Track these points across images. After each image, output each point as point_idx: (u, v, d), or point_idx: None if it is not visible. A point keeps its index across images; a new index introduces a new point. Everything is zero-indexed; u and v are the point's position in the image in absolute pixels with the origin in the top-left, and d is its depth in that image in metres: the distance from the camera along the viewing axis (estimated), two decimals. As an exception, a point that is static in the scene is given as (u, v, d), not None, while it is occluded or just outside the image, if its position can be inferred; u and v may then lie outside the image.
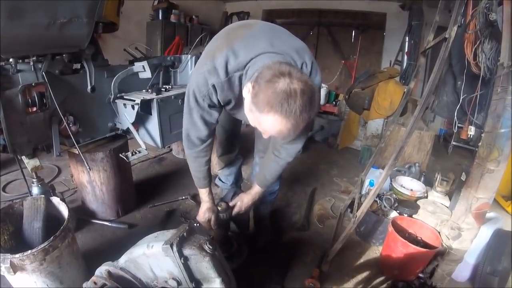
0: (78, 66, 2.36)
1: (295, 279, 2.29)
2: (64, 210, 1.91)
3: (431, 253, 2.16)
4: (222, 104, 1.68)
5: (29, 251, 1.56)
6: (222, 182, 2.74)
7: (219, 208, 2.13)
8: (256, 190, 2.15)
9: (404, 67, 5.73)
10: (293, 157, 1.93)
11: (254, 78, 1.34)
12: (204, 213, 2.09)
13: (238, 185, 2.83)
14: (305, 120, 1.26)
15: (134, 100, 2.42)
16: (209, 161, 2.00)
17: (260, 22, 1.72)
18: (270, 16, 7.76)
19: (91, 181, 2.60)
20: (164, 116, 2.56)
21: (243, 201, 2.16)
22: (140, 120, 2.63)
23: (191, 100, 1.66)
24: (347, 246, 2.50)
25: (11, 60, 1.87)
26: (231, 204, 2.16)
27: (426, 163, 4.10)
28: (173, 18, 6.22)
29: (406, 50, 5.72)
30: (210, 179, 2.08)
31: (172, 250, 1.35)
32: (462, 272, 2.32)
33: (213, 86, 1.53)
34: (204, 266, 1.41)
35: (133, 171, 3.22)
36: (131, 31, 5.55)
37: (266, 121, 1.27)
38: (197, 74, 1.60)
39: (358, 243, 2.77)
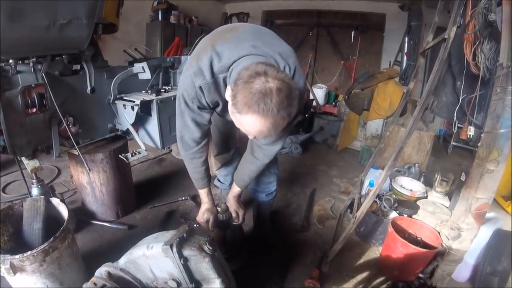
0: (77, 67, 2.36)
1: (295, 280, 2.29)
2: (63, 211, 1.91)
3: (431, 253, 2.16)
4: (211, 106, 1.69)
5: (29, 252, 1.56)
6: (221, 182, 2.74)
7: (218, 209, 2.13)
8: (236, 190, 2.17)
9: (403, 67, 5.73)
10: (271, 158, 1.94)
11: (232, 80, 1.36)
12: (203, 214, 2.09)
13: None
14: (284, 118, 1.26)
15: (133, 101, 2.42)
16: (205, 162, 2.00)
17: (248, 25, 1.74)
18: (270, 17, 7.76)
19: (91, 182, 2.60)
20: (163, 117, 2.56)
21: (239, 209, 2.18)
22: (140, 121, 2.63)
23: (182, 103, 1.68)
24: (347, 247, 2.50)
25: (10, 61, 1.87)
26: (234, 215, 2.17)
27: (426, 163, 4.10)
28: (172, 19, 6.22)
29: (405, 51, 5.72)
30: (208, 179, 2.07)
31: (172, 251, 1.35)
32: (462, 272, 2.32)
33: (200, 87, 1.55)
34: (204, 267, 1.41)
35: (132, 172, 3.22)
36: (131, 32, 5.55)
37: (246, 121, 1.28)
38: (184, 77, 1.63)
39: (358, 243, 2.77)
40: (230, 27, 1.73)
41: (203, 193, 2.10)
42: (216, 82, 1.55)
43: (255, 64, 1.32)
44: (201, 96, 1.60)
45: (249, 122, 1.27)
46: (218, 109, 1.75)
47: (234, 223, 2.18)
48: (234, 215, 2.16)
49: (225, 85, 1.55)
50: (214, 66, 1.50)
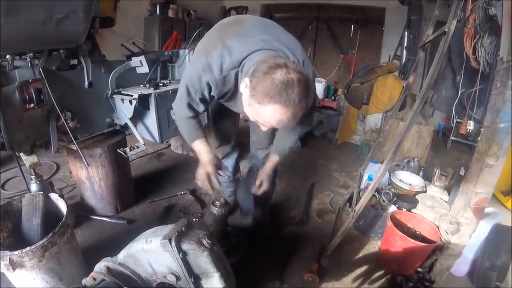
0: (75, 62, 2.34)
1: (294, 274, 2.30)
2: (62, 206, 1.91)
3: (430, 247, 2.16)
4: (216, 97, 1.71)
5: (28, 247, 1.55)
6: (220, 175, 2.73)
7: (217, 202, 2.11)
8: (273, 159, 2.12)
9: (403, 61, 5.70)
10: (304, 131, 2.07)
11: (250, 73, 1.37)
12: (203, 167, 1.94)
13: (236, 178, 2.84)
14: (303, 108, 1.30)
15: (131, 95, 2.41)
16: (198, 119, 1.95)
17: (251, 18, 1.74)
18: (269, 10, 7.70)
19: (90, 177, 2.60)
20: (162, 111, 2.55)
21: (268, 176, 2.13)
22: (138, 115, 2.62)
23: (183, 90, 1.72)
24: (346, 241, 2.50)
25: (7, 56, 1.85)
26: (257, 182, 2.11)
27: (425, 157, 4.09)
28: (171, 13, 6.18)
29: (405, 45, 5.69)
30: (201, 129, 1.97)
31: (171, 245, 1.36)
32: (461, 267, 2.32)
33: (207, 83, 1.58)
34: (202, 260, 1.42)
35: (131, 167, 3.22)
36: (129, 26, 5.52)
37: (266, 112, 1.30)
38: (191, 69, 1.66)
39: (357, 237, 2.78)
40: (236, 20, 1.73)
41: (198, 144, 1.96)
42: (225, 78, 1.57)
43: (273, 57, 1.36)
44: (205, 90, 1.63)
45: (269, 113, 1.30)
46: (224, 99, 1.77)
47: (253, 191, 2.13)
48: (257, 183, 2.11)
49: (236, 80, 1.58)
50: (224, 63, 1.52)
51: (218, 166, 2.00)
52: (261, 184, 2.11)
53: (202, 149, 1.96)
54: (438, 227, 2.24)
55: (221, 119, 2.38)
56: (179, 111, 1.86)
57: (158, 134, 2.60)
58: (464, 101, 2.76)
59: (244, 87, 1.40)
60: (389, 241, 2.37)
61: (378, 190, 2.75)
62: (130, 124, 2.55)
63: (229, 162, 2.64)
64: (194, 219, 2.85)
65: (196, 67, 1.59)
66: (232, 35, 1.56)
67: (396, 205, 2.63)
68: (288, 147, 2.08)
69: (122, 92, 2.51)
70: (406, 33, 5.67)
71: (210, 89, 1.64)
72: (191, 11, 6.75)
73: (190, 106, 1.78)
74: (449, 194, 2.65)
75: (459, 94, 2.77)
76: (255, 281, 2.18)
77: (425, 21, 5.35)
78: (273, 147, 2.17)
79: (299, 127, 1.95)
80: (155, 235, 1.45)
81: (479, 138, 1.84)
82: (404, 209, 2.56)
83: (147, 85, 2.66)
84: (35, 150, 2.18)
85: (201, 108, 1.80)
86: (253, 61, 1.44)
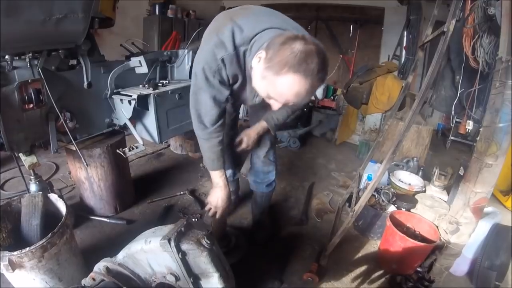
0: (74, 62, 2.34)
1: (294, 274, 2.30)
2: (62, 206, 1.91)
3: (429, 247, 2.17)
4: (231, 82, 1.68)
5: (28, 248, 1.55)
6: None
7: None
8: (261, 124, 2.12)
9: (402, 61, 5.71)
10: (298, 108, 2.04)
11: (264, 46, 1.36)
12: (223, 201, 2.01)
13: (235, 178, 2.85)
14: (320, 80, 1.28)
15: (131, 96, 2.41)
16: (222, 142, 1.91)
17: (257, 6, 1.74)
18: (268, 10, 7.70)
19: (89, 178, 2.60)
20: (161, 111, 2.55)
21: (250, 136, 2.15)
22: (137, 116, 2.61)
23: (200, 78, 1.63)
24: (345, 241, 2.50)
25: (7, 57, 1.86)
26: (237, 140, 2.17)
27: (424, 157, 4.10)
28: (170, 13, 6.19)
29: (404, 45, 5.69)
30: (223, 160, 1.97)
31: (170, 245, 1.36)
32: (460, 266, 2.32)
33: (222, 60, 1.53)
34: (202, 261, 1.42)
35: (131, 167, 3.22)
36: (128, 26, 5.52)
37: (284, 83, 1.27)
38: (204, 51, 1.59)
39: (356, 237, 2.78)
40: (243, 7, 1.72)
41: (218, 175, 1.98)
42: (237, 54, 1.54)
43: (288, 32, 1.37)
44: (222, 69, 1.58)
45: (287, 84, 1.26)
46: (236, 85, 1.73)
47: (236, 146, 2.20)
48: (237, 140, 2.18)
49: (244, 58, 1.56)
50: (236, 38, 1.50)
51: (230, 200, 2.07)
52: (241, 142, 2.18)
53: (220, 181, 1.99)
54: (437, 226, 2.24)
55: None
56: (200, 113, 1.76)
57: (157, 134, 2.60)
58: (463, 101, 2.76)
59: (257, 61, 1.38)
60: (388, 240, 2.37)
61: (377, 190, 2.75)
62: (129, 124, 2.55)
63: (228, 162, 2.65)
64: (193, 219, 2.85)
65: (209, 46, 1.54)
66: (242, 16, 1.56)
67: (396, 205, 2.64)
68: (278, 119, 2.08)
69: (121, 92, 2.51)
70: (405, 33, 5.68)
71: (225, 67, 1.58)
72: (190, 11, 6.75)
73: (213, 98, 1.68)
74: (448, 194, 2.65)
75: (458, 94, 2.77)
76: (254, 281, 2.18)
77: (424, 21, 5.36)
78: (264, 116, 2.15)
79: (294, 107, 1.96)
80: (154, 235, 1.45)
81: (478, 138, 1.84)
82: (404, 209, 2.56)
83: (146, 85, 2.66)
84: (34, 150, 2.18)
85: (224, 94, 1.70)
86: (264, 39, 1.44)
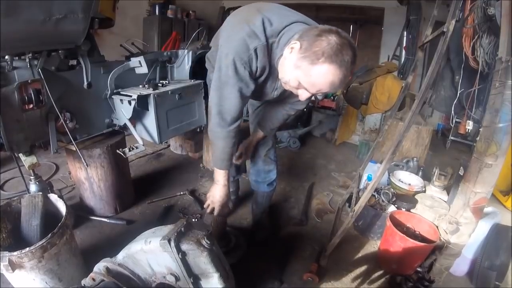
0: (74, 62, 2.35)
1: (294, 274, 2.30)
2: (62, 207, 1.90)
3: (429, 247, 2.16)
4: (257, 75, 1.65)
5: (27, 248, 1.55)
6: None
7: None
8: (258, 135, 2.27)
9: (402, 61, 5.72)
10: (294, 110, 2.07)
11: (296, 38, 1.40)
12: (221, 198, 2.02)
13: (236, 179, 2.85)
14: (349, 72, 1.35)
15: (130, 96, 2.40)
16: (236, 143, 1.91)
17: (274, 3, 1.71)
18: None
19: (89, 178, 2.60)
20: (161, 112, 2.55)
21: (249, 149, 2.32)
22: (137, 116, 2.61)
23: (230, 70, 1.55)
24: (345, 241, 2.50)
25: (6, 57, 1.86)
26: (237, 154, 2.25)
27: (424, 157, 4.10)
28: (170, 13, 6.20)
29: (404, 45, 5.71)
30: (232, 161, 1.99)
31: (170, 246, 1.36)
32: (460, 267, 2.32)
33: (255, 50, 1.50)
34: (202, 261, 1.42)
35: (131, 167, 3.22)
36: (128, 26, 5.52)
37: (319, 72, 1.32)
38: (234, 41, 1.51)
39: (356, 237, 2.78)
40: (261, 3, 1.69)
41: (222, 174, 1.97)
42: (268, 45, 1.54)
43: (319, 25, 1.42)
44: (253, 60, 1.54)
45: (322, 73, 1.31)
46: (262, 78, 1.70)
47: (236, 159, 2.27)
48: (237, 154, 2.25)
49: (271, 51, 1.57)
50: (266, 30, 1.51)
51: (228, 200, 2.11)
52: (240, 156, 2.29)
53: (223, 180, 1.99)
54: (437, 227, 2.24)
55: None
56: (223, 111, 1.71)
57: (157, 134, 2.59)
58: (463, 101, 2.76)
59: (289, 52, 1.41)
60: (388, 241, 2.37)
61: (377, 190, 2.75)
62: (129, 124, 2.55)
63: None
64: (193, 220, 2.85)
65: (240, 36, 1.48)
66: (268, 9, 1.57)
67: (396, 205, 2.64)
68: (274, 123, 2.16)
69: (121, 93, 2.51)
70: (405, 33, 5.69)
71: (257, 59, 1.54)
72: (190, 11, 6.76)
73: (240, 92, 1.63)
74: (448, 194, 2.65)
75: (458, 94, 2.77)
76: (254, 281, 2.18)
77: (424, 21, 5.38)
78: (260, 123, 2.22)
79: (288, 102, 2.01)
80: (154, 235, 1.45)
81: (478, 138, 1.84)
82: (403, 209, 2.56)
83: (146, 85, 2.65)
84: (34, 150, 2.17)
85: (251, 87, 1.65)
86: (293, 31, 1.47)
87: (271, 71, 1.67)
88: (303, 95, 1.49)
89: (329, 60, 1.27)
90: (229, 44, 1.54)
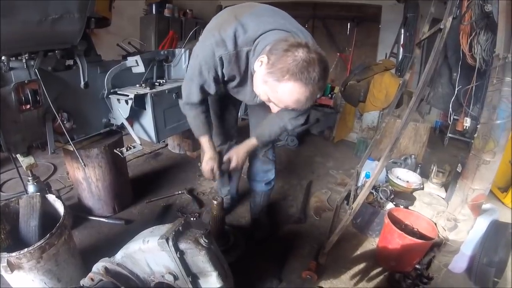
0: (71, 62, 2.34)
1: (292, 272, 2.30)
2: (60, 207, 1.90)
3: (428, 244, 2.17)
4: (226, 79, 1.70)
5: (26, 249, 1.55)
6: None
7: (214, 201, 2.12)
8: (252, 142, 2.07)
9: (399, 59, 5.71)
10: (293, 125, 1.94)
11: (267, 50, 1.37)
12: (206, 163, 2.06)
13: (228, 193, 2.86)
14: (320, 89, 1.31)
15: (127, 95, 2.41)
16: (207, 111, 2.00)
17: (262, 4, 1.72)
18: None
19: (87, 178, 2.59)
20: (158, 111, 2.55)
21: (238, 155, 2.08)
22: (135, 115, 2.61)
23: (196, 71, 1.67)
24: (343, 238, 2.51)
25: (3, 57, 1.85)
26: (225, 158, 2.10)
27: (422, 155, 4.10)
28: (166, 13, 6.17)
29: (401, 42, 5.70)
30: (209, 127, 2.05)
31: (168, 245, 1.35)
32: (459, 263, 2.33)
33: (220, 58, 1.55)
34: (200, 260, 1.42)
35: (129, 167, 3.21)
36: (125, 26, 5.50)
37: (284, 89, 1.29)
38: (203, 46, 1.59)
39: (354, 235, 2.78)
40: (248, 4, 1.72)
41: (204, 141, 2.06)
42: (238, 54, 1.55)
43: (292, 37, 1.38)
44: (218, 67, 1.60)
45: (288, 90, 1.29)
46: (233, 83, 1.76)
47: (223, 166, 2.11)
48: (224, 159, 2.10)
49: (247, 59, 1.57)
50: (238, 38, 1.51)
51: (218, 164, 2.07)
52: (229, 160, 2.09)
53: (206, 146, 2.06)
54: (435, 224, 2.24)
55: (221, 116, 2.38)
56: (189, 96, 1.85)
57: (154, 133, 2.60)
58: (460, 98, 2.77)
59: (259, 65, 1.40)
60: (386, 238, 2.37)
61: (375, 188, 2.76)
62: (126, 124, 2.54)
63: None
64: (191, 219, 2.84)
65: (209, 42, 1.54)
66: (246, 14, 1.56)
67: (394, 202, 2.64)
68: (270, 135, 2.03)
69: (118, 92, 2.51)
70: (402, 30, 5.68)
71: (222, 66, 1.60)
72: (187, 10, 6.74)
73: (201, 88, 1.76)
74: (446, 191, 2.66)
75: (455, 91, 2.77)
76: (253, 279, 2.18)
77: (421, 18, 5.38)
78: (255, 131, 2.13)
79: (289, 115, 1.89)
80: (152, 234, 1.45)
81: (476, 135, 1.84)
82: (402, 206, 2.56)
83: (143, 84, 2.65)
84: (32, 151, 2.17)
85: (212, 88, 1.76)
86: (268, 40, 1.44)
87: (246, 78, 1.69)
88: (274, 108, 1.48)
89: (294, 78, 1.24)
90: (200, 48, 1.64)
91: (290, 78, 1.25)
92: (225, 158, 2.10)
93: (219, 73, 1.64)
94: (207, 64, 1.60)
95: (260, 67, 1.38)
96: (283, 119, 1.92)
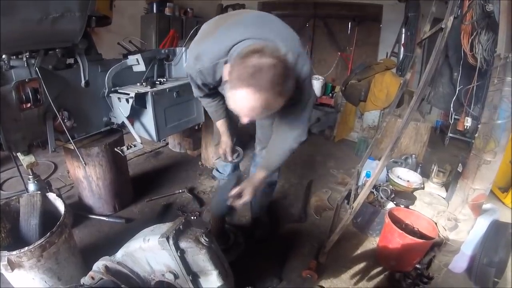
0: (71, 60, 2.34)
1: (293, 271, 2.30)
2: (60, 206, 1.90)
3: (428, 244, 2.17)
4: (215, 84, 1.76)
5: (26, 247, 1.55)
6: (219, 172, 2.72)
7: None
8: (261, 175, 1.93)
9: (400, 58, 5.70)
10: (299, 143, 1.87)
11: (231, 59, 1.40)
12: (220, 146, 2.25)
13: (235, 172, 2.84)
14: (278, 94, 1.25)
15: (128, 94, 2.40)
16: (217, 100, 2.05)
17: (253, 11, 1.78)
18: (266, 8, 7.68)
19: (87, 176, 2.59)
20: (159, 110, 2.54)
21: (249, 192, 1.89)
22: (135, 114, 2.61)
23: (188, 76, 1.84)
24: (344, 238, 2.51)
25: (4, 56, 1.85)
26: (235, 191, 1.90)
27: (423, 154, 4.10)
28: (167, 11, 6.16)
29: (402, 42, 5.69)
30: (222, 112, 2.11)
31: (169, 243, 1.36)
32: (459, 263, 2.33)
33: (199, 71, 1.64)
34: (200, 258, 1.42)
35: (129, 166, 3.21)
36: (125, 24, 5.49)
37: (239, 97, 1.26)
38: (189, 57, 1.78)
39: (355, 234, 2.78)
40: (236, 13, 1.79)
41: (219, 125, 2.18)
42: (215, 67, 1.58)
43: (256, 43, 1.36)
44: (199, 78, 1.73)
45: (242, 97, 1.25)
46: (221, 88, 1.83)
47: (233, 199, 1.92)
48: (235, 191, 1.89)
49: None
50: (213, 52, 1.54)
51: (232, 148, 2.26)
52: (240, 194, 1.89)
53: (220, 129, 2.20)
54: (436, 223, 2.24)
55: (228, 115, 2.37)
56: (194, 91, 1.99)
57: (155, 132, 2.59)
58: (461, 97, 2.77)
59: (225, 73, 1.40)
60: (387, 237, 2.37)
61: (376, 187, 2.75)
62: (127, 122, 2.54)
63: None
64: (192, 217, 2.84)
65: (192, 54, 1.69)
66: (226, 24, 1.60)
67: (394, 202, 2.64)
68: (278, 163, 1.95)
69: (119, 91, 2.51)
70: (403, 30, 5.67)
71: (202, 77, 1.69)
72: (188, 9, 6.72)
73: (198, 87, 1.87)
74: (447, 191, 2.66)
75: (456, 91, 2.77)
76: (253, 278, 2.18)
77: (422, 18, 5.37)
78: (262, 160, 2.06)
79: (291, 135, 1.82)
80: (153, 233, 1.45)
81: (476, 135, 1.84)
82: (402, 206, 2.56)
83: (143, 83, 2.65)
84: (33, 150, 2.17)
85: (205, 90, 1.88)
86: (237, 51, 1.44)
87: None
88: (243, 120, 1.44)
89: (244, 84, 1.21)
90: (188, 56, 1.84)
91: (241, 85, 1.22)
92: (236, 190, 1.89)
93: (205, 81, 1.73)
94: (192, 74, 1.74)
95: (226, 75, 1.37)
96: (286, 141, 1.86)
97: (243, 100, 1.26)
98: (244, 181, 1.99)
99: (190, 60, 1.71)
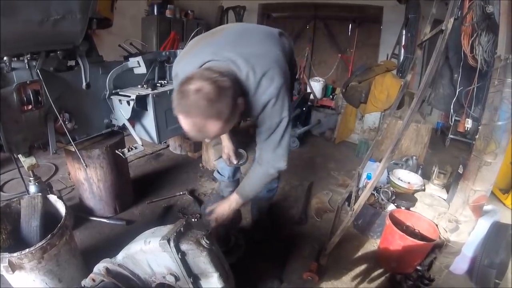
0: (72, 62, 2.34)
1: (293, 273, 2.30)
2: (61, 208, 1.90)
3: (429, 245, 2.17)
4: None
5: (27, 249, 1.55)
6: (220, 174, 2.71)
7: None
8: (233, 197, 1.91)
9: (401, 60, 5.71)
10: (275, 168, 1.75)
11: None
12: (223, 151, 2.26)
13: (236, 178, 2.83)
14: (204, 118, 1.26)
15: (129, 96, 2.41)
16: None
17: (237, 27, 1.78)
18: (266, 10, 7.71)
19: (88, 178, 2.60)
20: (159, 112, 2.55)
21: (217, 212, 1.93)
22: (136, 116, 2.61)
23: None
24: (344, 239, 2.50)
25: (5, 58, 1.86)
26: (208, 209, 1.97)
27: (423, 156, 4.10)
28: (168, 13, 6.17)
29: (403, 43, 5.69)
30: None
31: (169, 246, 1.36)
32: (460, 265, 2.33)
33: None
34: (201, 261, 1.42)
35: (130, 168, 3.21)
36: (126, 26, 5.50)
37: (180, 122, 1.32)
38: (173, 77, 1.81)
39: (355, 236, 2.78)
40: (219, 29, 1.78)
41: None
42: None
43: (203, 69, 1.40)
44: None
45: (181, 122, 1.31)
46: None
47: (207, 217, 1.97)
48: (207, 210, 1.96)
49: None
50: (186, 72, 1.49)
51: (235, 152, 2.24)
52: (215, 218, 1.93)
53: (224, 136, 2.19)
54: (437, 225, 2.24)
55: None
56: None
57: (156, 134, 2.60)
58: (462, 99, 2.77)
59: None
60: (388, 239, 2.37)
61: (376, 189, 2.75)
62: (128, 125, 2.55)
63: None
64: (193, 220, 2.84)
65: (173, 71, 1.75)
66: (202, 43, 1.65)
67: (395, 204, 2.64)
68: (251, 191, 1.88)
69: (120, 93, 2.51)
70: (403, 31, 5.68)
71: None
72: (189, 11, 6.74)
73: None
74: (447, 192, 2.65)
75: (457, 92, 2.78)
76: (254, 280, 2.18)
77: (423, 19, 5.38)
78: (239, 185, 1.98)
79: (266, 158, 1.74)
80: (153, 235, 1.45)
81: (477, 136, 1.84)
82: (403, 208, 2.56)
83: (144, 85, 2.66)
84: (33, 151, 2.18)
85: None
86: None
87: None
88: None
89: (177, 110, 1.28)
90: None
91: (176, 111, 1.29)
92: (208, 209, 1.97)
93: None
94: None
95: None
96: (262, 164, 1.78)
97: (183, 125, 1.32)
98: (220, 201, 1.98)
99: (174, 80, 1.75)
